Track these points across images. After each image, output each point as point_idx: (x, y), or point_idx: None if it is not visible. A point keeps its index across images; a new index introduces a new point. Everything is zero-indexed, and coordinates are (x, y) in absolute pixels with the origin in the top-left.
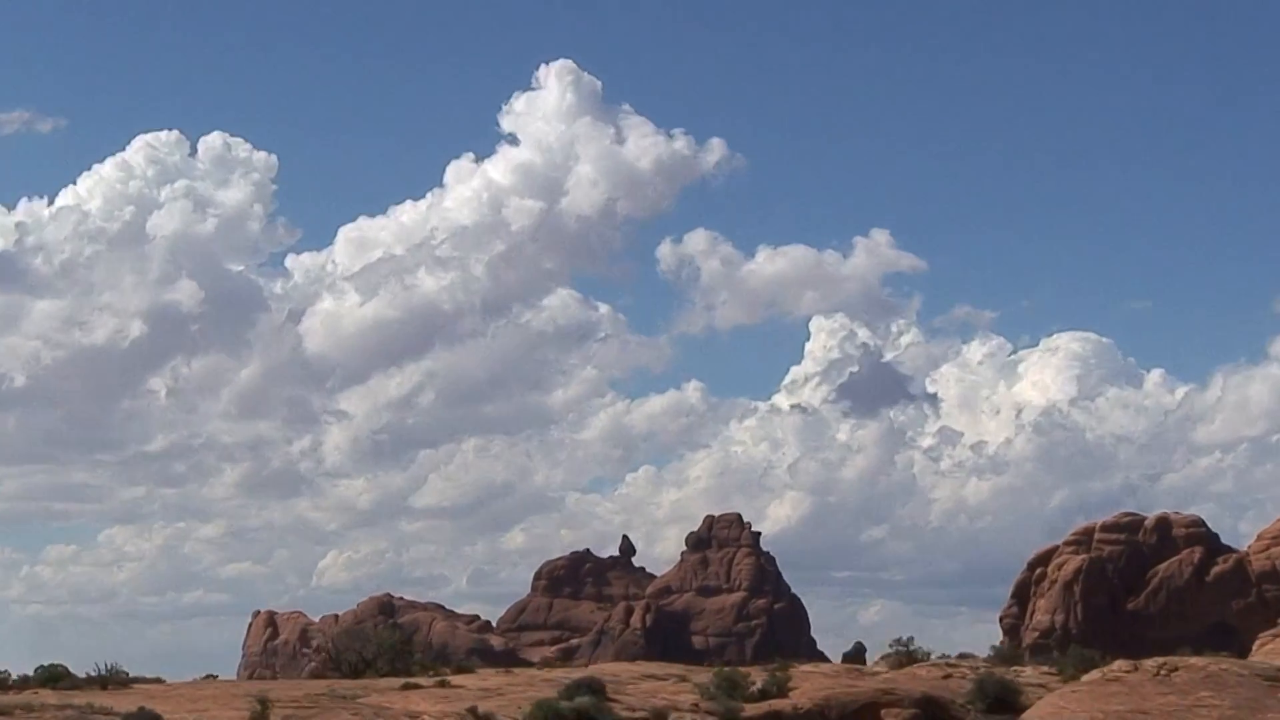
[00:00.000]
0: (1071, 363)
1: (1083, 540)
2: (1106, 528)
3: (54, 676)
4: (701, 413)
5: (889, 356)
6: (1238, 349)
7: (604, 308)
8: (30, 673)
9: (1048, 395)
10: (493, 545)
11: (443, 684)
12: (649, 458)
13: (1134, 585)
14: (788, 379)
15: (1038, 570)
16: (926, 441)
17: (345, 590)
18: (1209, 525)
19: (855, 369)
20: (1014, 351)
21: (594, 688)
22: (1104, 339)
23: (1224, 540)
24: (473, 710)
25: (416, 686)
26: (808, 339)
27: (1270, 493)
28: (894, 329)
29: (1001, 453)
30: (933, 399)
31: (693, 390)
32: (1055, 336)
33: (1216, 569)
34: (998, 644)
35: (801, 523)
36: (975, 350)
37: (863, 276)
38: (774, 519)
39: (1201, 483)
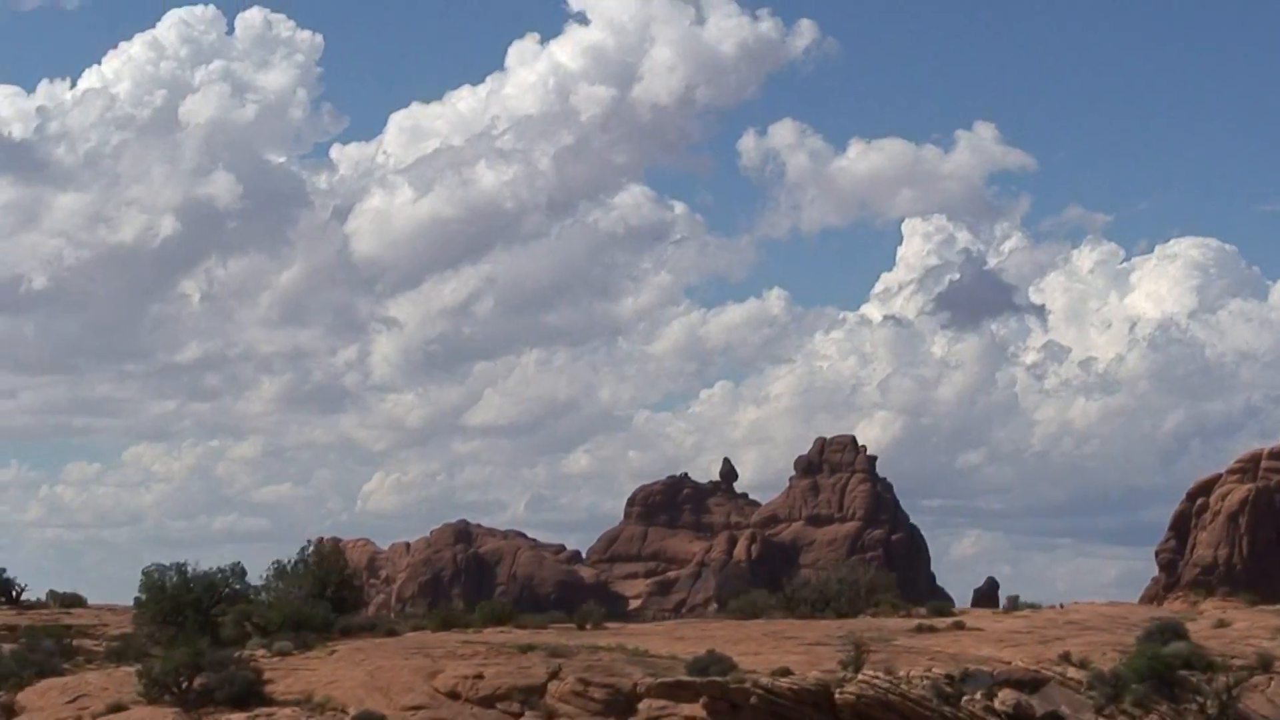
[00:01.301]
0: (1190, 272)
1: (1248, 468)
2: (1275, 455)
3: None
4: (784, 324)
5: (991, 263)
6: None
7: (679, 207)
8: None
9: (1164, 308)
10: (554, 468)
11: (959, 626)
12: (726, 373)
13: None
14: (879, 287)
15: (1198, 501)
16: (1030, 357)
17: (391, 516)
18: None
19: (954, 277)
20: (1127, 259)
21: (1179, 633)
22: (1227, 246)
23: None
24: (1065, 657)
25: (931, 630)
26: (901, 243)
27: None
28: (997, 233)
29: (1112, 370)
30: (1038, 310)
31: (775, 299)
32: (1173, 243)
33: None
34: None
35: (892, 445)
36: (1085, 257)
37: (965, 175)
38: (861, 441)
39: None
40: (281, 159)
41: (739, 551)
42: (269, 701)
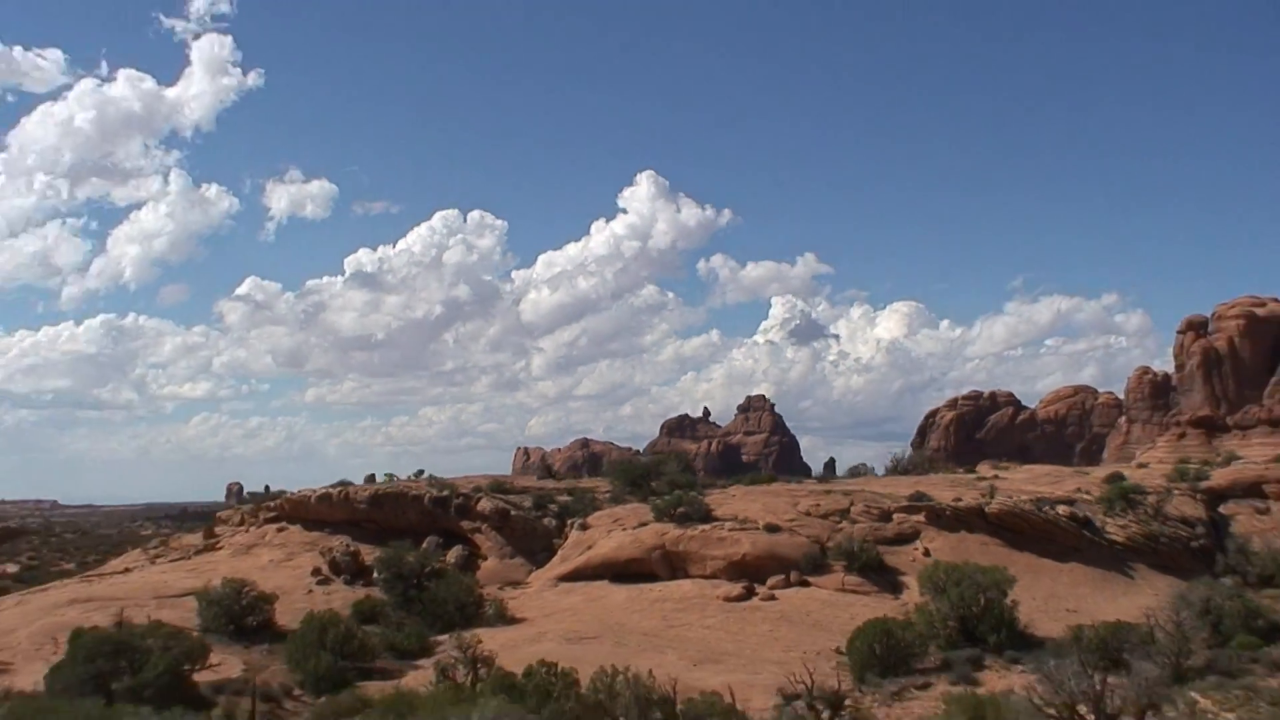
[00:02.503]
0: (902, 318)
1: (953, 404)
2: (969, 397)
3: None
4: (715, 345)
5: (814, 315)
6: None
7: (670, 294)
8: None
9: (891, 334)
10: None
11: (996, 476)
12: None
13: None
14: (762, 327)
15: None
16: (831, 358)
17: None
18: None
19: (797, 321)
20: (875, 312)
21: (1123, 476)
22: (919, 304)
23: None
24: (1074, 490)
25: (982, 479)
26: (772, 307)
27: None
28: (815, 302)
29: (866, 362)
30: (835, 336)
31: (703, 341)
32: (896, 304)
33: None
34: None
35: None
36: (856, 310)
37: (801, 276)
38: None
39: None
40: (489, 278)
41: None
42: (715, 519)
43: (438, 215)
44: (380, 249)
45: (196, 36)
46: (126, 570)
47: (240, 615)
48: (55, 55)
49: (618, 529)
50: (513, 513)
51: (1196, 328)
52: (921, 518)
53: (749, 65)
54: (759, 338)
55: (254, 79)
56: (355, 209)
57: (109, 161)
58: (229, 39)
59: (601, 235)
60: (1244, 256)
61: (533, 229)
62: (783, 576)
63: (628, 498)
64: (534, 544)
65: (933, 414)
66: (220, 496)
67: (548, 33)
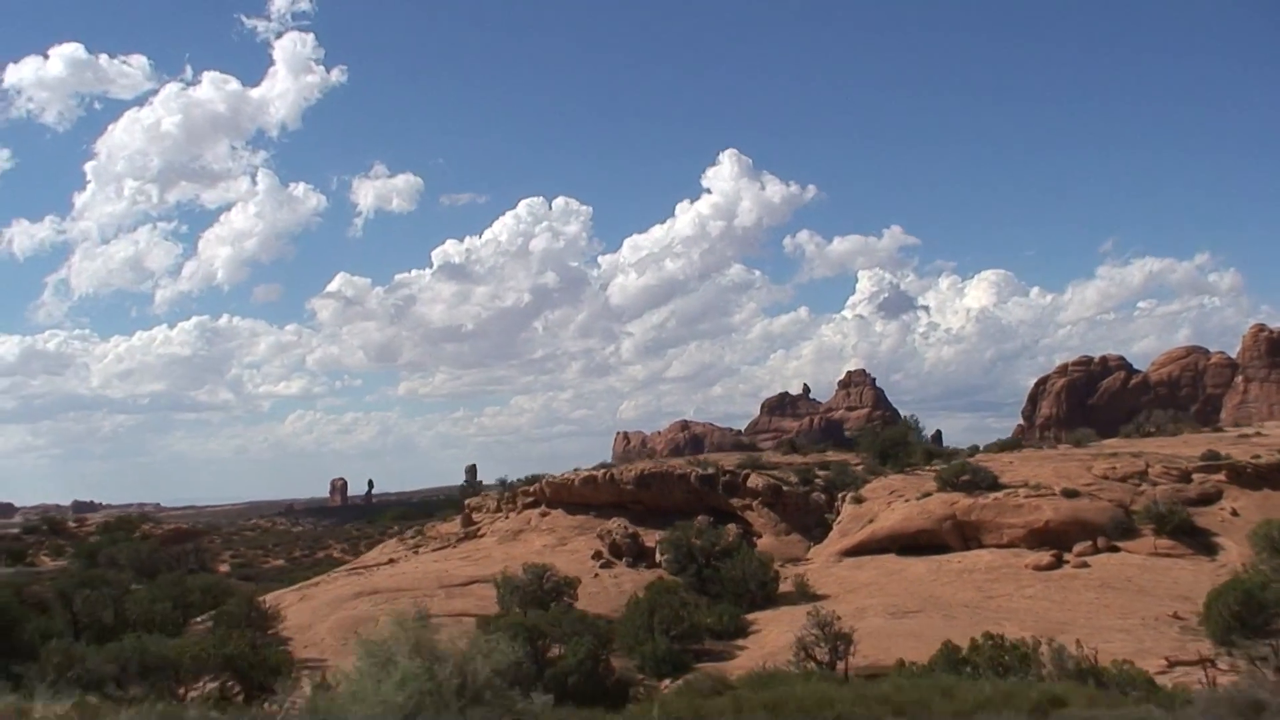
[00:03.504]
0: (991, 287)
1: (1063, 370)
2: (1079, 363)
3: None
4: (805, 322)
5: (902, 287)
6: None
7: (757, 273)
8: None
9: (981, 303)
10: None
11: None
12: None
13: None
14: (849, 301)
15: (1038, 387)
16: (921, 329)
17: None
18: None
19: (885, 294)
20: (963, 282)
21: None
22: (1008, 273)
23: None
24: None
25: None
26: (858, 281)
27: None
28: (902, 274)
29: (958, 331)
30: (925, 308)
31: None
32: (985, 272)
33: None
34: None
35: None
36: (945, 281)
37: (887, 249)
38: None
39: None
40: (576, 264)
41: None
42: (1004, 487)
43: (523, 204)
44: (467, 240)
45: (279, 35)
46: (391, 561)
47: (543, 600)
48: (140, 61)
49: (898, 500)
50: (784, 488)
51: None
52: (1222, 476)
53: (827, 38)
54: (847, 313)
55: (337, 75)
56: (441, 201)
57: (197, 164)
58: (310, 36)
59: (686, 216)
60: None
61: (618, 213)
62: (1089, 543)
63: (883, 470)
64: (807, 519)
65: (1043, 381)
66: (320, 492)
67: (624, 14)
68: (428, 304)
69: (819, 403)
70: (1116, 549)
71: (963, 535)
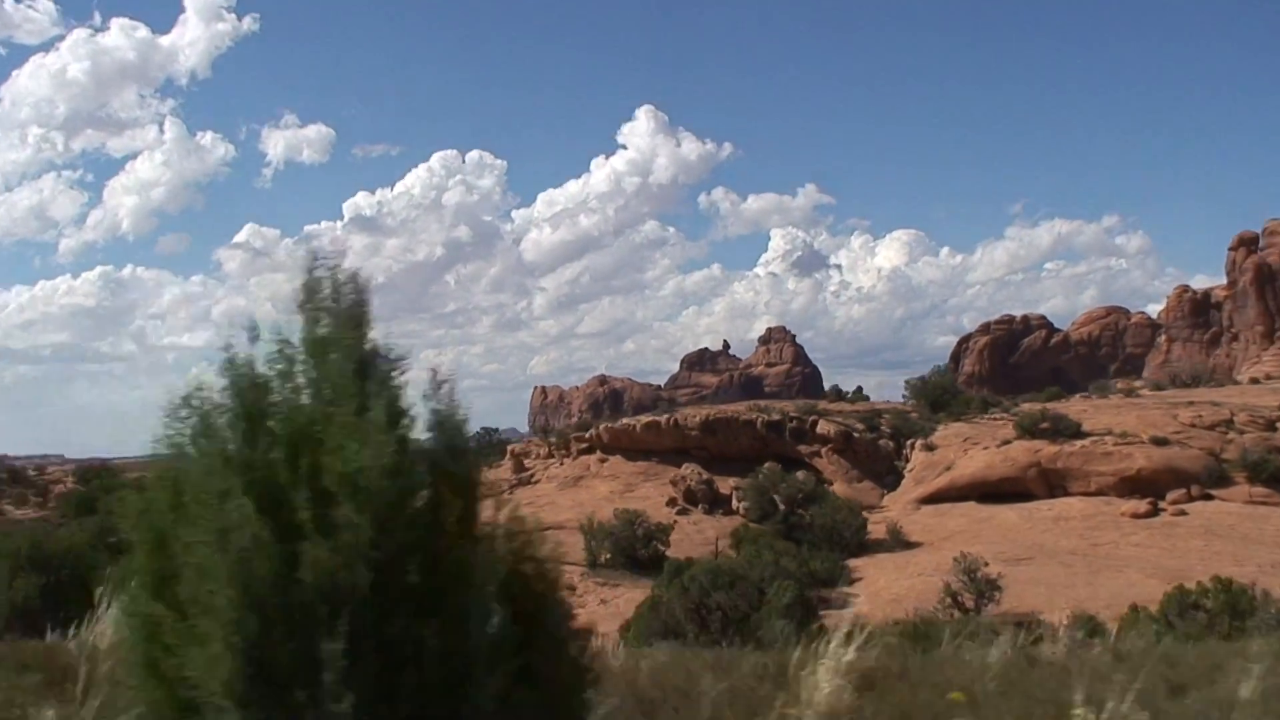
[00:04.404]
0: (902, 246)
1: (986, 327)
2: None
3: None
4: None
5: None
6: None
7: (671, 229)
8: None
9: (892, 263)
10: None
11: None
12: None
13: None
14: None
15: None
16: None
17: None
18: None
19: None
20: (875, 241)
21: None
22: (919, 232)
23: None
24: None
25: None
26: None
27: None
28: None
29: (868, 291)
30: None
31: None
32: (896, 232)
33: None
34: None
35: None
36: (856, 240)
37: (801, 207)
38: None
39: None
40: (490, 218)
41: None
42: (1088, 435)
43: (436, 156)
44: (379, 192)
45: None
46: None
47: (634, 547)
48: (46, 6)
49: (975, 448)
50: (855, 435)
51: (1248, 244)
52: None
53: None
54: (760, 270)
55: (249, 24)
56: (354, 153)
57: (104, 112)
58: None
59: (601, 172)
60: (1246, 176)
61: (533, 167)
62: (1183, 490)
63: (936, 418)
64: (878, 466)
65: (965, 339)
66: None
67: None
68: (337, 256)
69: (739, 359)
70: (1210, 497)
71: (1048, 483)
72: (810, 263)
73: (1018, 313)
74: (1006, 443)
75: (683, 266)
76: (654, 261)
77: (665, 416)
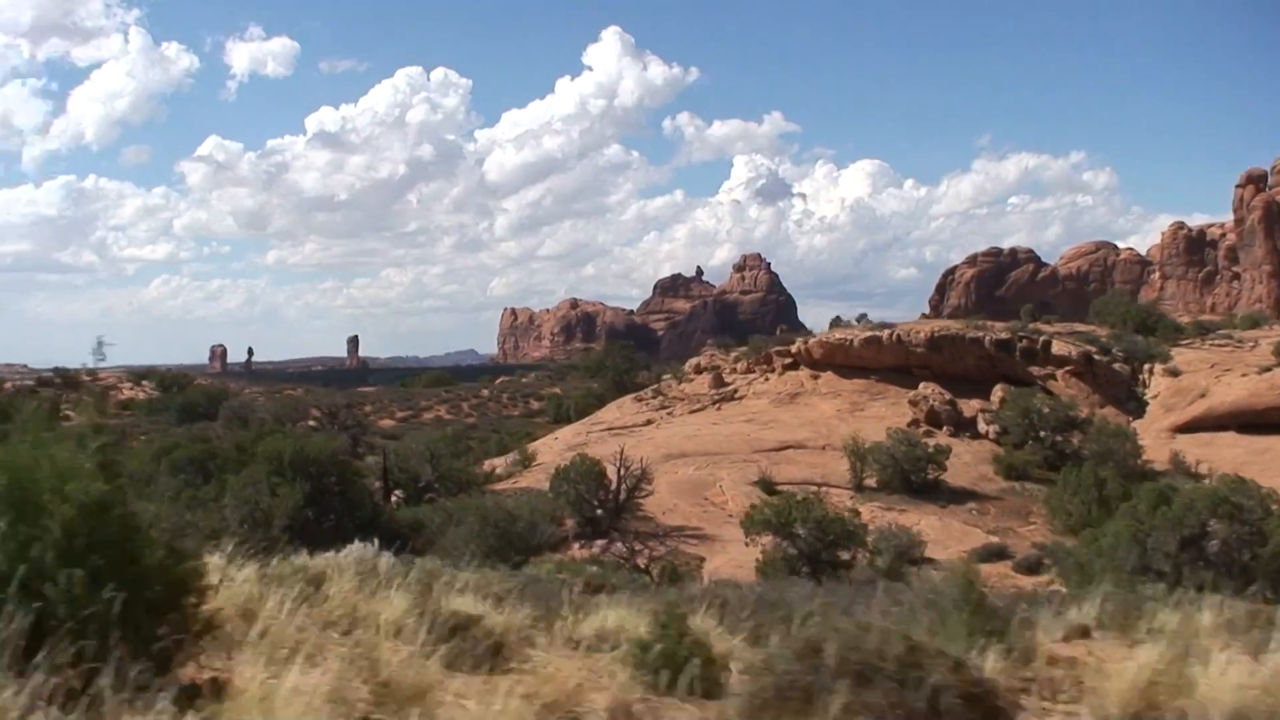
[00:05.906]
0: (866, 176)
1: (971, 260)
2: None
3: None
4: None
5: (780, 173)
6: None
7: (635, 153)
8: None
9: (856, 193)
10: None
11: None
12: None
13: None
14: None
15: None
16: (796, 216)
17: None
18: None
19: (763, 181)
20: (838, 170)
21: None
22: (882, 163)
23: None
24: None
25: None
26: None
27: None
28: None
29: (831, 221)
30: (801, 196)
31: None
32: (861, 162)
33: None
34: None
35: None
36: (820, 170)
37: (767, 135)
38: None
39: None
40: (453, 137)
41: None
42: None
43: (401, 73)
44: (343, 108)
45: None
46: (650, 422)
47: (918, 469)
48: None
49: (1228, 374)
50: (1096, 356)
51: (1256, 180)
52: None
53: None
54: (723, 197)
55: None
56: (320, 67)
57: (69, 20)
58: None
59: (567, 93)
60: (1216, 115)
61: (497, 87)
62: None
63: (1139, 341)
64: (1117, 391)
65: (951, 271)
66: (192, 360)
67: None
68: (300, 172)
69: (712, 285)
70: None
71: None
72: (774, 191)
73: (1011, 245)
74: (1268, 369)
75: (645, 191)
76: (617, 186)
77: (886, 331)
